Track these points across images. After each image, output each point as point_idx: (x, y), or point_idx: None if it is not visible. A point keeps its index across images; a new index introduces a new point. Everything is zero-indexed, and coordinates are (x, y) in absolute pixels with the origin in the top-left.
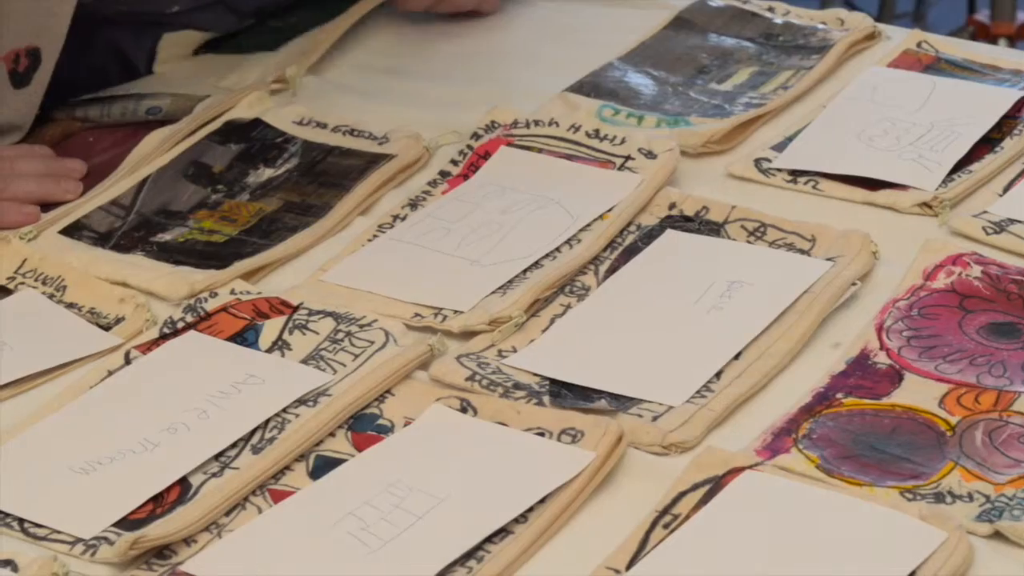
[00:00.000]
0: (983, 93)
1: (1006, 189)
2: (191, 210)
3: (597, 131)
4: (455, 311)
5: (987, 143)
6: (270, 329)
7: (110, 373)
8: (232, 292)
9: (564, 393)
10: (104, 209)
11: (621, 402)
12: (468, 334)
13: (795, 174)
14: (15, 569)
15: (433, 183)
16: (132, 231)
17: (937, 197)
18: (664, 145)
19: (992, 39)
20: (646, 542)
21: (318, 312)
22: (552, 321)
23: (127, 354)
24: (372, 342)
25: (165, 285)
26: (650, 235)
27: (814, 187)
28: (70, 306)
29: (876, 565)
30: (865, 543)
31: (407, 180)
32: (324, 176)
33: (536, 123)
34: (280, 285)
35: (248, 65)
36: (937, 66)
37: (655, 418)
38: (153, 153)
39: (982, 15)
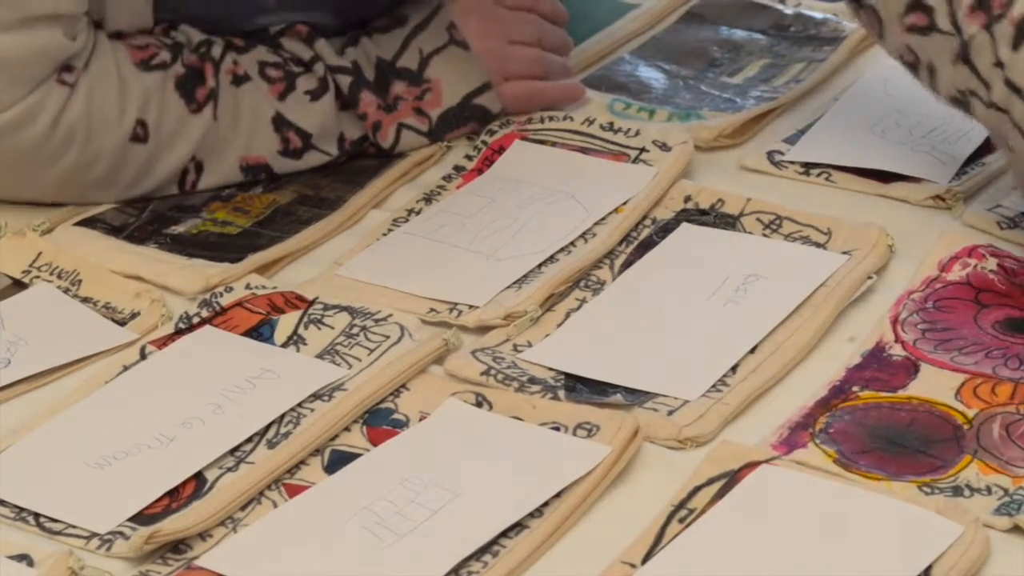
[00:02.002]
0: None
1: None
2: (204, 202)
3: (611, 124)
4: (470, 306)
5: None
6: (285, 324)
7: (125, 368)
8: (247, 287)
9: (579, 387)
10: (118, 209)
11: (636, 396)
12: (483, 329)
13: (808, 166)
14: (31, 563)
15: (448, 178)
16: (146, 224)
17: (950, 190)
18: (678, 137)
19: None
20: (662, 536)
21: (333, 307)
22: (567, 315)
23: (142, 349)
24: (387, 337)
25: (180, 279)
26: (665, 228)
27: (827, 179)
28: (85, 300)
29: (893, 559)
30: (882, 537)
31: (421, 175)
32: (338, 172)
33: (550, 117)
34: (295, 279)
35: None
36: None
37: (671, 412)
38: None
39: None
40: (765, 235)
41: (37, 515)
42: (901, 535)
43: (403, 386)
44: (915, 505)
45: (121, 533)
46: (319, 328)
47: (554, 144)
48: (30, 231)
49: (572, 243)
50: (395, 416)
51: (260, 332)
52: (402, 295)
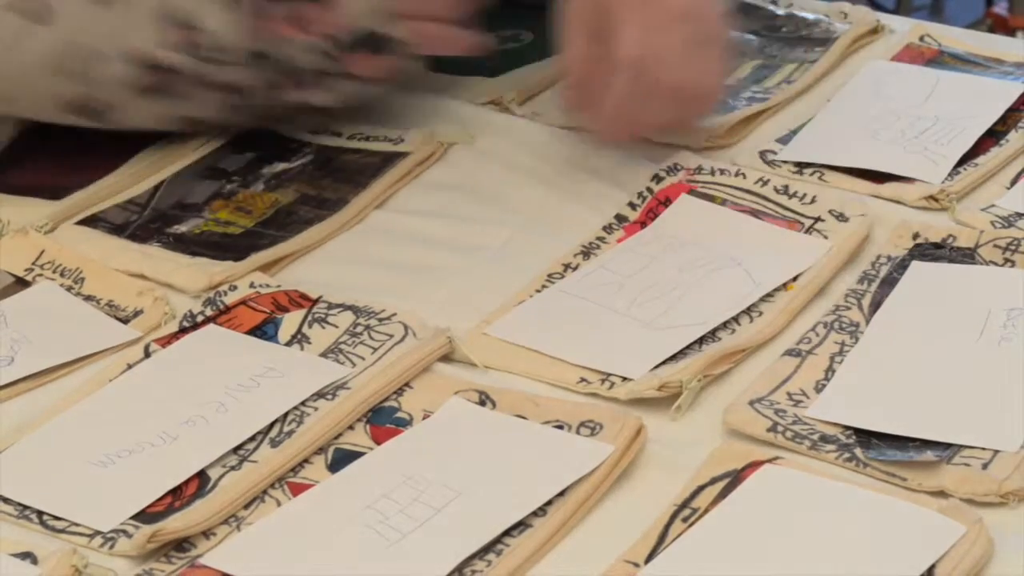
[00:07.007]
0: (987, 86)
1: (1013, 182)
2: (207, 201)
3: (786, 187)
4: (623, 378)
5: (991, 136)
6: (289, 322)
7: (129, 366)
8: (251, 285)
9: (875, 444)
10: (120, 207)
11: (947, 450)
12: (635, 401)
13: (800, 166)
14: (34, 561)
15: (608, 228)
16: (148, 224)
17: (944, 190)
18: (857, 208)
19: (1010, 31)
20: (665, 536)
21: (337, 305)
22: (831, 359)
23: (146, 347)
24: (391, 335)
25: (183, 277)
26: (902, 265)
27: (820, 179)
28: (88, 299)
29: (896, 559)
30: (885, 537)
31: (424, 174)
32: (339, 172)
33: (722, 171)
34: (297, 277)
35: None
36: (940, 60)
37: (985, 465)
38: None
39: (1000, 7)
40: (1009, 263)
41: (40, 513)
42: (904, 535)
43: (407, 384)
44: (918, 505)
45: (124, 531)
46: (323, 327)
47: (724, 201)
48: (33, 229)
49: (736, 319)
50: (399, 415)
51: (264, 330)
52: (552, 361)
